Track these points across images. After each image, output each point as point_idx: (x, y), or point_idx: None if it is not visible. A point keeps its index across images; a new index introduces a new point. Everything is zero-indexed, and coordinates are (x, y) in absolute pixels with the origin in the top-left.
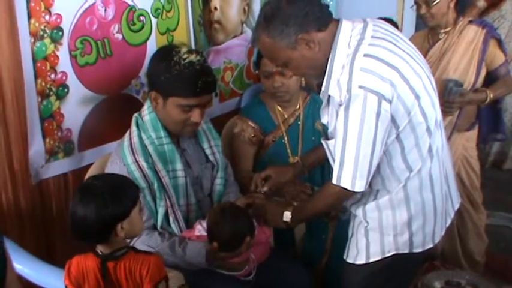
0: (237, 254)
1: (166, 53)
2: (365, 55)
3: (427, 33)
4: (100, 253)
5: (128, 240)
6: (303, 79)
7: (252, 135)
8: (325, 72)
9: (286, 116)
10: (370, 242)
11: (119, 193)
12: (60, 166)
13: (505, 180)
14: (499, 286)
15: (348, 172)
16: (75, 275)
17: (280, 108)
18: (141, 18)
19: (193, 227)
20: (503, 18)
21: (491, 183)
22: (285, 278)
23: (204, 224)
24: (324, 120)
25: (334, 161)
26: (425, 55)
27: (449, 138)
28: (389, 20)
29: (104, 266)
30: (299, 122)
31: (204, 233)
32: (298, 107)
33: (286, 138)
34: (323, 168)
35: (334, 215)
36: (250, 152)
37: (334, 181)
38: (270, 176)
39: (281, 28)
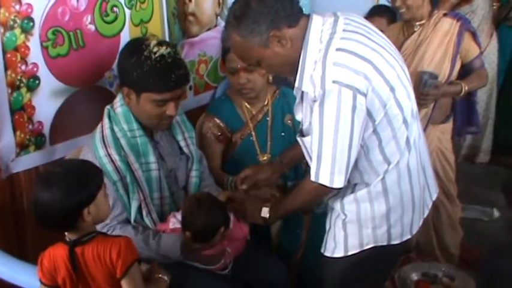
0: (211, 246)
1: (136, 47)
2: (337, 49)
3: (402, 26)
4: (68, 240)
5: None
6: (270, 74)
7: (219, 133)
8: (298, 68)
9: (254, 113)
10: (348, 234)
11: (82, 177)
12: (32, 160)
13: (478, 174)
14: (474, 277)
15: (326, 168)
16: (47, 267)
17: (247, 105)
18: (115, 9)
19: (167, 220)
20: (473, 13)
21: (463, 177)
22: (261, 272)
23: (178, 216)
24: (298, 117)
25: (310, 157)
26: (400, 47)
27: (424, 130)
28: (386, 8)
29: (72, 252)
30: (268, 118)
31: (179, 225)
32: (266, 102)
33: (254, 136)
34: None
35: (309, 208)
36: (218, 150)
37: (312, 178)
38: (249, 176)
39: (252, 27)
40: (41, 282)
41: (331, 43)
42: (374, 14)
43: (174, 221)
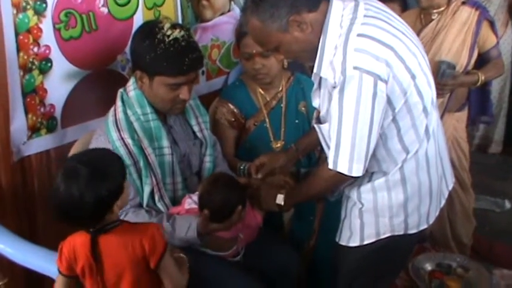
0: (228, 226)
1: (149, 30)
2: (359, 35)
3: (419, 13)
4: (91, 229)
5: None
6: (285, 60)
7: (233, 119)
8: (317, 54)
9: (268, 99)
10: (364, 223)
11: (111, 170)
12: (43, 143)
13: (490, 164)
14: (488, 269)
15: (345, 156)
16: (66, 257)
17: (261, 91)
18: None
19: (183, 201)
20: (489, 2)
21: (475, 167)
22: (273, 259)
23: (194, 197)
24: (315, 103)
25: (327, 145)
26: (417, 35)
27: (440, 118)
28: None
29: (94, 241)
30: (282, 105)
31: (194, 206)
32: (280, 88)
33: (268, 122)
34: None
35: (323, 196)
36: (231, 135)
37: (330, 166)
38: (264, 164)
39: (271, 11)
40: (59, 272)
41: (352, 28)
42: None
43: (190, 201)
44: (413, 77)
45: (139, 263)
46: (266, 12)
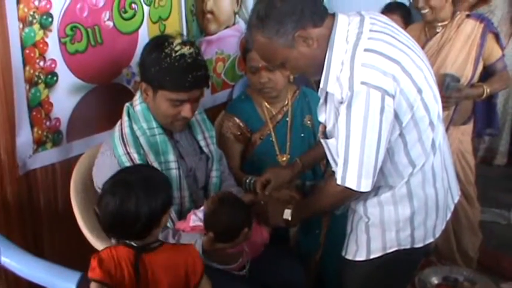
0: (234, 245)
1: (159, 43)
2: (365, 50)
3: (423, 26)
4: (134, 245)
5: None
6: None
7: (239, 133)
8: (323, 68)
9: (274, 113)
10: (371, 238)
11: (159, 183)
12: (49, 156)
13: (495, 176)
14: (496, 283)
15: (353, 172)
16: (107, 265)
17: (267, 105)
18: (133, 5)
19: (188, 218)
20: (492, 14)
21: (481, 179)
22: (279, 273)
23: (199, 213)
24: (321, 118)
25: (334, 160)
26: (422, 48)
27: (445, 131)
28: (401, 5)
29: (138, 258)
30: (287, 119)
31: (199, 223)
32: (286, 102)
33: (274, 136)
34: None
35: None
36: (237, 149)
37: (338, 182)
38: (269, 180)
39: (277, 27)
40: (93, 280)
41: (358, 43)
42: (384, 11)
43: (195, 219)
44: (419, 91)
45: (181, 284)
46: (272, 29)
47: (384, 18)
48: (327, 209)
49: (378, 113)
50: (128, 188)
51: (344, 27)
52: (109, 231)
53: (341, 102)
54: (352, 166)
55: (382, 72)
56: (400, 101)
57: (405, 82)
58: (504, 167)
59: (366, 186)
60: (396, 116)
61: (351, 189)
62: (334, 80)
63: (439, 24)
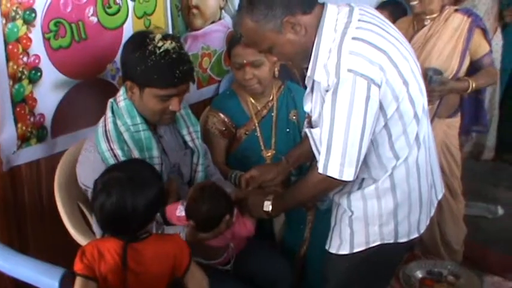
0: (217, 234)
1: (140, 41)
2: (353, 38)
3: (412, 20)
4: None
5: None
6: (276, 69)
7: (223, 128)
8: (310, 56)
9: (259, 108)
10: (354, 231)
11: (154, 176)
12: (33, 152)
13: (482, 171)
14: (479, 276)
15: (336, 160)
16: (88, 258)
17: (252, 100)
18: (117, 1)
19: (176, 205)
20: (475, 8)
21: (468, 174)
22: (264, 268)
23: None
24: (307, 107)
25: (318, 150)
26: (409, 41)
27: (430, 123)
28: (396, 3)
29: (126, 248)
30: (272, 114)
31: (184, 214)
32: (271, 97)
33: (259, 131)
34: None
35: (312, 204)
36: (222, 145)
37: (320, 170)
38: (254, 177)
39: (266, 11)
40: (76, 273)
41: (346, 32)
42: (377, 7)
43: (182, 208)
44: (405, 83)
45: (168, 272)
46: (261, 13)
47: (373, 10)
48: (308, 199)
49: (363, 101)
50: (122, 185)
51: (333, 16)
52: (106, 228)
53: (327, 90)
54: (334, 154)
55: (369, 60)
56: (386, 92)
57: (392, 73)
58: (491, 162)
59: (348, 175)
60: (381, 107)
61: (333, 178)
62: (321, 67)
63: (427, 17)
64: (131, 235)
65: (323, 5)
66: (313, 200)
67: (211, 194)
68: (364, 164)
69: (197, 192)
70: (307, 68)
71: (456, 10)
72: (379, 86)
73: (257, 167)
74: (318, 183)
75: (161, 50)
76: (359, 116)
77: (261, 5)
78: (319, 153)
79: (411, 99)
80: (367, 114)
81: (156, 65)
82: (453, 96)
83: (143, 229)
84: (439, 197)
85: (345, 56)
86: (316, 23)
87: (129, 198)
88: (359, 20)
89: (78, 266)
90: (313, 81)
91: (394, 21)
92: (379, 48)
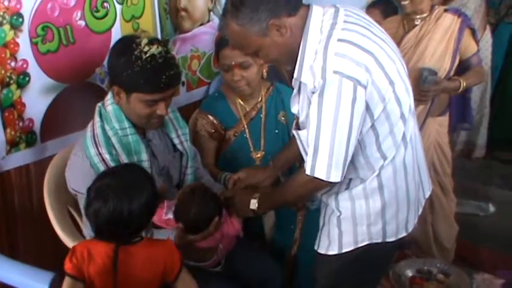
0: (205, 236)
1: (126, 46)
2: (339, 40)
3: (402, 19)
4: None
5: None
6: (264, 70)
7: (212, 130)
8: (297, 58)
9: (247, 109)
10: (342, 232)
11: (147, 181)
12: (22, 157)
13: (473, 169)
14: (470, 274)
15: (323, 161)
16: (78, 259)
17: (241, 101)
18: (105, 4)
19: (162, 206)
20: (465, 7)
21: (459, 172)
22: (254, 269)
23: (173, 207)
24: (294, 109)
25: (305, 151)
26: (400, 41)
27: (423, 123)
28: (387, 1)
29: (117, 252)
30: (261, 115)
31: (172, 216)
32: (260, 99)
33: (248, 133)
34: None
35: (302, 205)
36: (211, 147)
37: (307, 171)
38: (242, 179)
39: (251, 15)
40: (66, 273)
41: (332, 33)
42: (369, 6)
43: (169, 211)
44: (391, 83)
45: (159, 277)
46: (246, 16)
47: (358, 10)
48: (295, 199)
49: (349, 102)
50: (117, 191)
51: (318, 17)
52: (102, 234)
53: (313, 92)
54: (322, 156)
55: (355, 62)
56: (372, 93)
57: (377, 74)
58: (482, 160)
59: (335, 176)
60: (367, 108)
61: (320, 179)
62: (307, 69)
63: (418, 16)
64: (126, 239)
65: (308, 6)
66: (299, 200)
67: (200, 196)
68: (352, 164)
69: (185, 195)
70: (293, 70)
71: (446, 10)
72: (365, 87)
73: (245, 169)
74: (305, 184)
75: (147, 55)
76: (345, 118)
77: (246, 9)
78: (306, 154)
79: (398, 99)
80: (354, 116)
81: (142, 70)
82: (444, 95)
83: (139, 233)
84: (427, 195)
85: (330, 58)
86: (301, 24)
87: (125, 203)
88: (344, 22)
89: (67, 266)
90: (300, 82)
91: (385, 19)
92: (364, 49)
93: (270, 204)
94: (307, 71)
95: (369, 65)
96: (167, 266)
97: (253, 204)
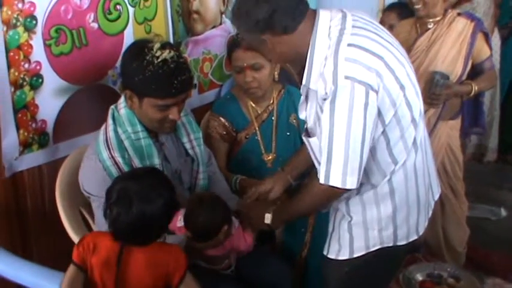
0: (215, 244)
1: (138, 50)
2: (349, 45)
3: (414, 22)
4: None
5: None
6: (276, 72)
7: (224, 132)
8: (305, 62)
9: (259, 112)
10: (354, 237)
11: (167, 187)
12: (35, 158)
13: (485, 173)
14: (481, 279)
15: (337, 169)
16: (84, 248)
17: (253, 104)
18: (118, 7)
19: (177, 213)
20: (474, 11)
21: (471, 176)
22: (265, 272)
23: None
24: (302, 116)
25: (317, 159)
26: (412, 44)
27: (434, 126)
28: (401, 4)
29: (123, 250)
30: (273, 118)
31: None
32: (271, 101)
33: (259, 135)
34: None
35: None
36: (223, 149)
37: (321, 180)
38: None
39: (247, 26)
40: (72, 261)
41: (342, 39)
42: (385, 9)
43: (181, 218)
44: (402, 87)
45: (161, 282)
46: (244, 26)
47: (365, 15)
48: (311, 210)
49: (362, 108)
50: (140, 196)
51: (326, 23)
52: (121, 238)
53: (325, 99)
54: (336, 163)
55: (366, 67)
56: (384, 97)
57: (388, 78)
58: (494, 163)
59: (351, 183)
60: (379, 113)
61: (335, 187)
62: (317, 76)
63: (431, 20)
64: (141, 242)
65: (315, 11)
66: (315, 210)
67: (208, 205)
68: (363, 170)
69: (194, 203)
70: (302, 76)
71: (459, 14)
72: (377, 92)
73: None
74: (321, 194)
75: (159, 60)
76: (359, 123)
77: (241, 22)
78: (318, 163)
79: (408, 103)
80: (367, 121)
81: (154, 75)
82: (455, 99)
83: (157, 238)
84: (436, 197)
85: (341, 63)
86: (309, 30)
87: (148, 208)
88: (353, 27)
89: (74, 253)
90: (308, 89)
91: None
92: (375, 54)
93: (285, 218)
94: (316, 78)
95: (380, 69)
96: (170, 270)
97: (268, 218)
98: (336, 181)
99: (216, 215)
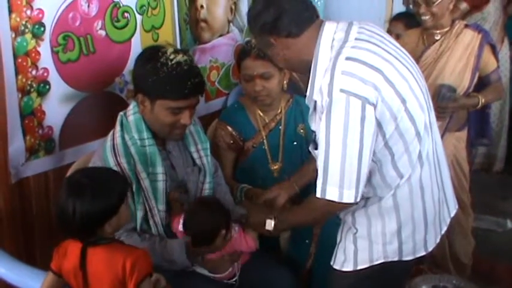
0: (214, 249)
1: (152, 54)
2: (347, 58)
3: (421, 33)
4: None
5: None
6: (285, 82)
7: (231, 141)
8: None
9: (267, 121)
10: (358, 249)
11: (107, 190)
12: (41, 164)
13: (492, 184)
14: None
15: (334, 183)
16: (59, 255)
17: (261, 113)
18: (126, 14)
19: (178, 217)
20: (484, 21)
21: (477, 186)
22: (269, 282)
23: None
24: (313, 127)
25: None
26: (420, 56)
27: (441, 138)
28: (408, 14)
29: (84, 251)
30: (280, 127)
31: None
32: (279, 110)
33: (266, 144)
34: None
35: None
36: (229, 158)
37: (318, 194)
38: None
39: (256, 31)
40: (50, 269)
41: (341, 52)
42: (392, 19)
43: (181, 222)
44: (403, 101)
45: (121, 282)
46: (253, 30)
47: (374, 27)
48: (310, 223)
49: (358, 121)
50: (73, 189)
51: (329, 34)
52: (58, 225)
53: (322, 112)
54: (332, 177)
55: (362, 80)
56: (383, 111)
57: (387, 91)
58: (501, 174)
59: (348, 197)
60: (379, 126)
61: (332, 201)
62: (318, 88)
63: (438, 31)
64: (78, 237)
65: (322, 21)
66: (316, 222)
67: (207, 208)
68: (369, 183)
69: (193, 206)
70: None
71: (466, 26)
72: (375, 105)
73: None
74: (320, 207)
75: (173, 62)
76: (355, 136)
77: (251, 26)
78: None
79: (411, 117)
80: (364, 135)
81: (168, 76)
82: (462, 111)
83: (90, 235)
84: (452, 213)
85: (337, 76)
86: (313, 40)
87: (69, 203)
88: (356, 39)
89: (52, 261)
90: (315, 101)
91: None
92: (373, 66)
93: (286, 226)
94: (318, 90)
95: (377, 82)
96: (126, 272)
97: (269, 225)
98: (332, 195)
99: (213, 218)
